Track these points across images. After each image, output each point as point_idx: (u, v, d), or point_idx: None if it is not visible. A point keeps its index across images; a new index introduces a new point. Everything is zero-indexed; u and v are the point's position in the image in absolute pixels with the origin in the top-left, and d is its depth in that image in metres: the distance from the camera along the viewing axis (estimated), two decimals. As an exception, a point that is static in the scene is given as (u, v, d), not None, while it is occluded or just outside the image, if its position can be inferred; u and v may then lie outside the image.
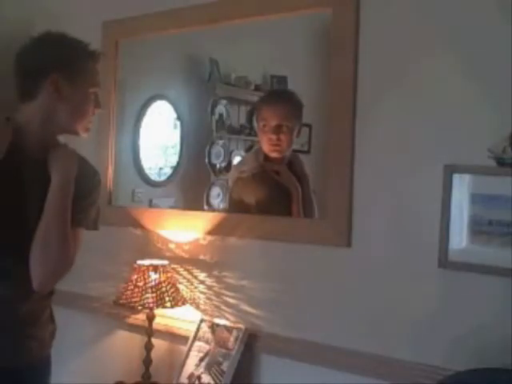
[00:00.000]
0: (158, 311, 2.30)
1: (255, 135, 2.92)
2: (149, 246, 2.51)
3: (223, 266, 2.32)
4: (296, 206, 2.32)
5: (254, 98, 2.76)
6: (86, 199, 1.80)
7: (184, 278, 2.42)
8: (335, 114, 2.06)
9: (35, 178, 1.72)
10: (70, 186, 1.70)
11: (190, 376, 2.24)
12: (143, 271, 2.27)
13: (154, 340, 2.33)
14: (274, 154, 2.41)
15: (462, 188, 1.81)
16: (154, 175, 2.80)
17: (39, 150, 1.74)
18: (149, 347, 2.33)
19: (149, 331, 2.32)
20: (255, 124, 2.56)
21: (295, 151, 2.46)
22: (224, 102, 2.75)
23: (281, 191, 2.38)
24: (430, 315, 1.87)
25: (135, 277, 2.28)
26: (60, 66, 1.72)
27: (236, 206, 2.47)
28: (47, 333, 1.83)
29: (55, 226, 1.67)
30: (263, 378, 2.20)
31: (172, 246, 2.47)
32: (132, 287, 2.27)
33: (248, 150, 3.20)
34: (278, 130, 2.37)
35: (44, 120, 1.74)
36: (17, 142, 1.71)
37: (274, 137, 2.38)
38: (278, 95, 2.56)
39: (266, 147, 2.42)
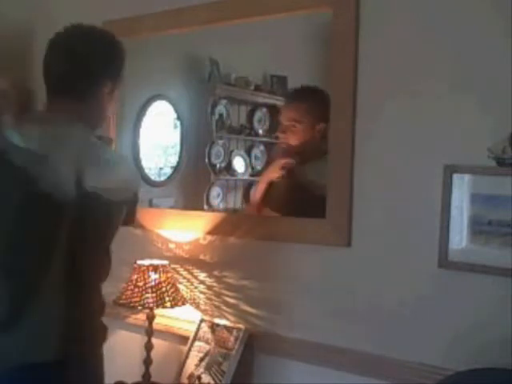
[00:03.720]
0: (158, 311, 2.30)
1: (255, 135, 2.93)
2: (149, 246, 2.51)
3: (223, 266, 2.32)
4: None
5: (254, 98, 2.77)
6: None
7: (184, 277, 2.42)
8: (335, 114, 2.06)
9: None
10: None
11: (190, 376, 2.24)
12: (143, 271, 2.27)
13: (154, 340, 2.33)
14: (283, 147, 2.50)
15: (462, 188, 1.81)
16: (154, 175, 2.81)
17: None
18: (149, 347, 2.33)
19: (149, 331, 2.32)
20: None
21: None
22: (224, 101, 2.76)
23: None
24: (429, 315, 1.87)
25: (135, 277, 2.28)
26: (114, 75, 1.79)
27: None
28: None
29: None
30: (263, 378, 2.20)
31: (172, 245, 2.47)
32: (132, 287, 2.27)
33: (248, 149, 3.21)
34: (284, 128, 2.48)
35: (92, 120, 1.79)
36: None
37: (281, 135, 2.49)
38: (298, 94, 2.60)
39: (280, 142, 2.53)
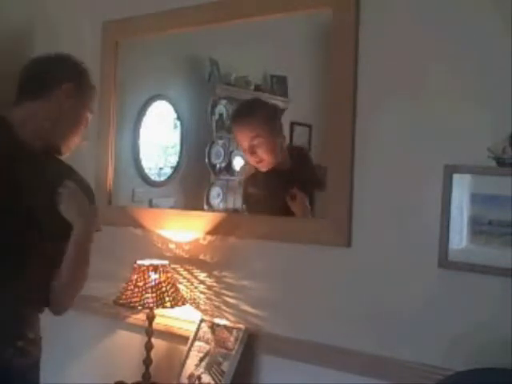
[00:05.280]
0: (158, 311, 2.30)
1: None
2: (149, 246, 2.51)
3: (223, 266, 2.32)
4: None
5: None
6: None
7: (184, 277, 2.42)
8: (335, 114, 2.06)
9: (29, 172, 1.75)
10: (92, 233, 1.82)
11: (190, 376, 2.24)
12: (143, 271, 2.27)
13: (154, 340, 2.33)
14: (263, 169, 2.40)
15: (462, 188, 1.81)
16: (154, 175, 2.80)
17: (38, 146, 1.79)
18: (149, 347, 2.33)
19: (149, 331, 2.32)
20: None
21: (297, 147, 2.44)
22: (224, 101, 2.75)
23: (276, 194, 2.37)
24: (429, 315, 1.87)
25: (135, 277, 2.28)
26: (74, 80, 1.86)
27: (250, 201, 2.47)
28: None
29: (82, 270, 1.79)
30: (263, 377, 2.20)
31: (172, 245, 2.47)
32: (132, 287, 2.27)
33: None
34: (251, 149, 2.36)
35: (46, 118, 1.81)
36: (13, 136, 1.76)
37: (251, 157, 2.39)
38: (244, 110, 2.53)
39: (253, 165, 2.42)
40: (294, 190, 2.27)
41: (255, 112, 2.38)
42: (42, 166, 1.78)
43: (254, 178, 2.46)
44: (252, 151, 2.37)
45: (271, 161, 2.37)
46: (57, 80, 1.84)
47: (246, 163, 2.51)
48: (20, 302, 1.75)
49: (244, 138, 2.40)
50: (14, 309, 1.74)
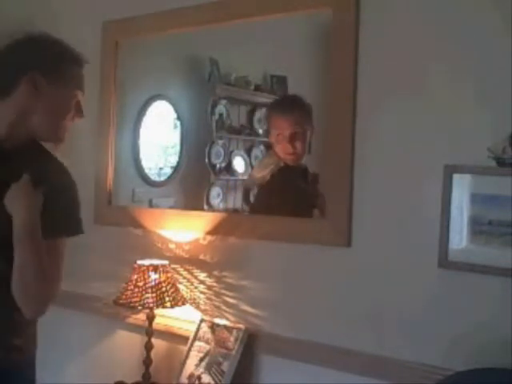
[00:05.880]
0: (158, 311, 2.30)
1: (255, 135, 2.92)
2: (149, 246, 2.51)
3: (223, 266, 2.32)
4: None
5: (254, 98, 2.76)
6: (66, 211, 1.74)
7: (184, 277, 2.42)
8: (335, 114, 2.06)
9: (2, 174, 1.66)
10: (35, 229, 1.62)
11: (190, 376, 2.24)
12: (143, 271, 2.27)
13: (154, 340, 2.33)
14: (290, 162, 2.42)
15: (462, 188, 1.81)
16: (153, 175, 2.80)
17: (11, 147, 1.69)
18: (149, 347, 2.33)
19: (149, 331, 2.32)
20: (270, 130, 2.54)
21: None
22: (224, 101, 2.75)
23: (301, 193, 2.38)
24: (429, 315, 1.87)
25: (135, 277, 2.28)
26: (41, 65, 1.67)
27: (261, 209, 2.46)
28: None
29: (33, 268, 1.61)
30: (263, 377, 2.20)
31: (172, 245, 2.47)
32: (132, 287, 2.27)
33: (248, 150, 3.20)
34: (292, 138, 2.37)
35: (18, 117, 1.68)
36: None
37: (289, 145, 2.38)
38: (289, 102, 2.55)
39: (282, 155, 2.42)
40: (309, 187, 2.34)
41: (300, 104, 2.40)
42: (7, 161, 1.66)
43: (281, 172, 2.46)
44: (292, 139, 2.38)
45: (302, 154, 2.41)
46: (22, 72, 1.65)
47: (272, 155, 2.49)
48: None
49: (288, 124, 2.40)
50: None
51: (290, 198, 2.39)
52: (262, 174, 2.54)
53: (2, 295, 1.65)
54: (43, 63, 1.68)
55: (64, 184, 1.75)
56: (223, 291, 2.31)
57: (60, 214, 1.69)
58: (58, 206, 1.68)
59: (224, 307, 2.30)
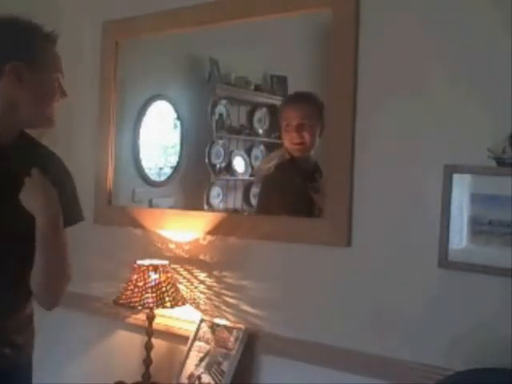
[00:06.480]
0: (158, 311, 2.30)
1: (255, 135, 2.92)
2: (149, 245, 2.51)
3: (223, 266, 2.32)
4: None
5: (254, 98, 2.76)
6: (72, 199, 1.74)
7: (184, 277, 2.42)
8: (335, 114, 2.06)
9: None
10: (59, 223, 1.61)
11: (190, 376, 2.24)
12: (143, 271, 2.27)
13: (154, 340, 2.33)
14: (297, 153, 2.43)
15: (462, 188, 1.81)
16: (153, 175, 2.80)
17: (4, 142, 1.66)
18: (149, 347, 2.33)
19: (149, 331, 2.32)
20: (280, 124, 2.54)
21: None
22: (224, 101, 2.75)
23: (304, 192, 2.38)
24: (429, 315, 1.87)
25: (135, 277, 2.28)
26: (19, 51, 1.63)
27: (266, 207, 2.46)
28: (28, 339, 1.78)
29: (58, 264, 1.63)
30: (263, 377, 2.20)
31: (172, 245, 2.47)
32: (132, 287, 2.27)
33: (248, 150, 3.20)
34: (300, 128, 2.39)
35: (6, 110, 1.64)
36: None
37: (296, 135, 2.40)
38: (300, 96, 2.56)
39: (289, 146, 2.44)
40: (318, 184, 2.32)
41: (310, 99, 2.41)
42: (6, 157, 1.64)
43: (286, 164, 2.46)
44: (299, 129, 2.39)
45: (310, 145, 2.41)
46: (1, 61, 1.60)
47: (280, 149, 2.51)
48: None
49: (295, 115, 2.43)
50: None
51: (291, 192, 2.39)
52: (268, 165, 2.55)
53: (10, 294, 1.65)
54: (20, 49, 1.64)
55: (64, 173, 1.76)
56: (223, 291, 2.31)
57: (68, 204, 1.68)
58: (64, 196, 1.66)
59: (224, 307, 2.31)
